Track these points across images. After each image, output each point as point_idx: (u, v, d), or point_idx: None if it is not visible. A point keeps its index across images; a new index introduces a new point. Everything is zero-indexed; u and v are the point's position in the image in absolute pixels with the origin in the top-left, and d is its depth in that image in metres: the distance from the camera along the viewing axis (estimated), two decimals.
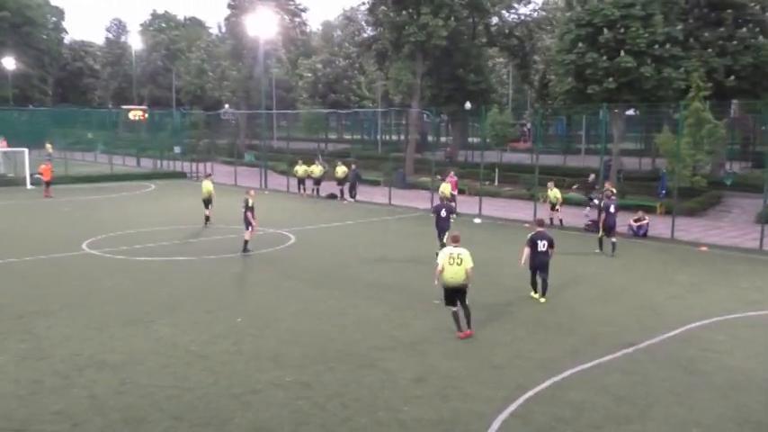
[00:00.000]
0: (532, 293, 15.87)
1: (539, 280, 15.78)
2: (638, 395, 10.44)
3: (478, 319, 13.60)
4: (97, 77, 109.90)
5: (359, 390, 10.58)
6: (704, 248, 22.96)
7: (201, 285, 17.30)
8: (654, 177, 36.77)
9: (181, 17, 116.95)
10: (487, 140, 45.04)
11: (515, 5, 53.83)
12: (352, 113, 70.53)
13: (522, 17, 54.98)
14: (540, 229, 15.87)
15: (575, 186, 31.01)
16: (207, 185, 27.07)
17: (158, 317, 14.38)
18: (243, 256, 20.84)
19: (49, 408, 9.92)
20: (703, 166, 31.61)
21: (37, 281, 17.66)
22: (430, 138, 63.66)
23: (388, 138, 72.44)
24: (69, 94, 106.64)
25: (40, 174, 37.22)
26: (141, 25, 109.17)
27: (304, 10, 70.12)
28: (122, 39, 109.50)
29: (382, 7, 45.41)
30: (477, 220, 21.45)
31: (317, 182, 38.31)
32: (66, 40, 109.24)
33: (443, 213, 20.67)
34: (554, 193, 26.68)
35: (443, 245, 20.36)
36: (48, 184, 36.56)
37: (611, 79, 32.01)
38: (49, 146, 56.33)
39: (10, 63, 76.62)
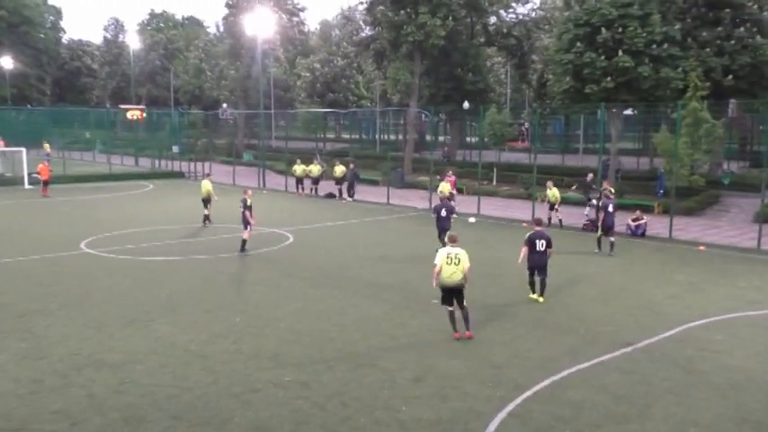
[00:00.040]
0: (531, 295, 15.81)
1: (537, 280, 15.77)
2: (636, 394, 10.46)
3: (477, 318, 13.61)
4: (95, 77, 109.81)
5: (358, 389, 10.59)
6: (702, 248, 22.99)
7: (200, 285, 17.30)
8: (652, 177, 36.83)
9: (179, 16, 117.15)
10: (485, 140, 45.12)
11: (513, 5, 53.89)
12: (351, 113, 70.50)
13: (520, 17, 55.04)
14: (538, 228, 15.85)
15: (574, 187, 31.02)
16: (206, 185, 27.07)
17: (157, 316, 14.38)
18: (241, 256, 20.85)
19: (48, 407, 9.92)
20: (701, 165, 31.71)
21: (36, 280, 17.64)
22: (428, 137, 63.68)
23: (386, 137, 72.44)
24: (67, 94, 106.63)
25: (38, 173, 37.19)
26: (139, 25, 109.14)
27: (302, 9, 70.29)
28: (120, 38, 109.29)
29: (380, 7, 45.39)
30: (472, 219, 21.50)
31: (316, 181, 38.32)
32: (64, 39, 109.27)
33: (444, 213, 20.69)
34: (553, 192, 26.70)
35: (444, 244, 20.45)
36: (45, 183, 36.54)
37: (609, 79, 32.04)
38: (46, 145, 56.36)
39: (7, 62, 76.56)
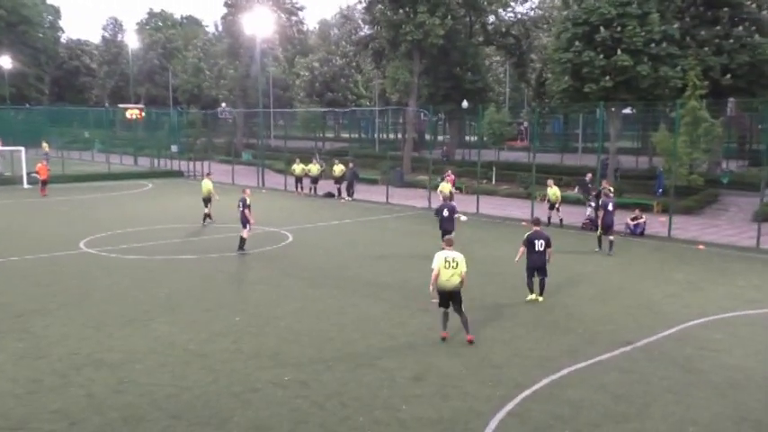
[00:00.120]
0: (529, 296, 15.67)
1: (536, 280, 15.73)
2: (635, 394, 10.47)
3: (477, 318, 13.61)
4: (94, 76, 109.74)
5: (358, 388, 10.59)
6: (701, 247, 23.00)
7: (200, 284, 17.29)
8: (651, 176, 36.82)
9: (177, 16, 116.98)
10: (484, 139, 45.13)
11: (512, 4, 53.97)
12: (350, 112, 70.50)
13: (519, 16, 55.10)
14: (536, 228, 15.83)
15: (576, 189, 30.99)
16: (206, 184, 27.09)
17: (156, 315, 14.38)
18: (240, 255, 20.86)
19: (46, 407, 9.91)
20: (700, 164, 31.71)
21: (35, 280, 17.63)
22: (427, 136, 63.54)
23: (385, 136, 72.38)
24: (66, 93, 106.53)
25: (37, 173, 37.17)
26: (138, 24, 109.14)
27: (301, 8, 70.14)
28: (119, 37, 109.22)
29: (379, 6, 45.39)
30: (464, 218, 21.50)
31: (315, 180, 38.31)
32: (63, 38, 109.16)
33: (446, 213, 20.70)
34: (553, 191, 26.60)
35: None
36: (44, 183, 36.53)
37: (607, 78, 32.06)
38: (45, 145, 56.34)
39: (6, 62, 76.50)
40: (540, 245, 15.38)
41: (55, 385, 10.69)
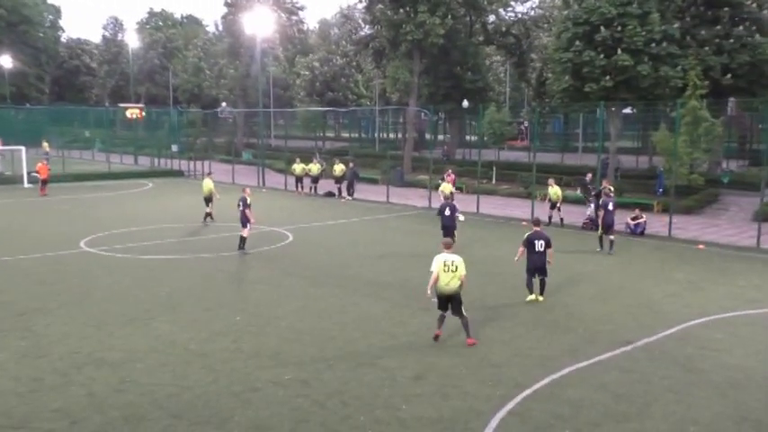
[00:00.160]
0: (529, 297, 15.58)
1: (536, 281, 15.70)
2: (636, 393, 10.48)
3: (477, 318, 13.62)
4: (94, 75, 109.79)
5: (358, 388, 10.60)
6: (701, 246, 22.99)
7: (200, 283, 17.31)
8: (651, 175, 36.84)
9: (177, 15, 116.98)
10: (485, 138, 45.10)
11: (512, 4, 53.96)
12: (350, 112, 70.51)
13: (519, 15, 55.08)
14: (536, 228, 15.80)
15: (579, 190, 30.99)
16: (207, 183, 27.15)
17: (157, 315, 14.39)
18: (240, 254, 20.87)
19: (48, 405, 9.93)
20: (700, 164, 31.71)
21: (36, 279, 17.64)
22: (427, 136, 63.68)
23: (385, 136, 72.46)
24: (66, 93, 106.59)
25: (37, 172, 37.19)
26: (138, 23, 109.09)
27: (301, 8, 70.16)
28: (119, 37, 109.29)
29: (379, 5, 45.40)
30: (461, 218, 21.58)
31: (315, 180, 38.32)
32: (63, 38, 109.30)
33: (447, 212, 20.88)
34: (554, 190, 26.50)
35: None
36: (44, 182, 36.54)
37: (608, 77, 32.07)
38: (45, 144, 56.37)
39: (7, 61, 76.52)
40: (540, 245, 15.36)
41: (56, 384, 10.70)
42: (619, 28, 31.80)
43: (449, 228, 20.61)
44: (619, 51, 31.65)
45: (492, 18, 54.23)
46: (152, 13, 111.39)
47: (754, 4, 35.22)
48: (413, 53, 46.34)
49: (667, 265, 19.98)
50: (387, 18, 44.17)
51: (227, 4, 64.96)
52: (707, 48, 34.18)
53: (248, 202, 21.23)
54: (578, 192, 30.81)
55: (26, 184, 39.58)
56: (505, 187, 38.59)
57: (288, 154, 44.98)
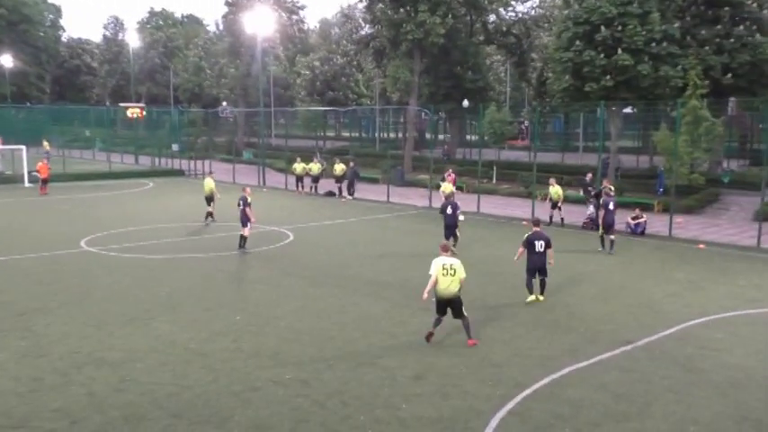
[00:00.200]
0: (529, 298, 15.48)
1: (536, 281, 15.68)
2: (636, 393, 10.47)
3: (477, 317, 13.61)
4: (95, 75, 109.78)
5: (358, 387, 10.59)
6: (702, 246, 22.97)
7: (200, 283, 17.30)
8: (651, 175, 36.82)
9: (178, 15, 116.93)
10: (485, 138, 45.08)
11: (513, 3, 53.92)
12: (351, 111, 70.52)
13: (520, 15, 55.05)
14: (536, 229, 15.75)
15: (582, 191, 30.95)
16: (209, 183, 27.14)
17: (157, 314, 14.39)
18: (240, 254, 20.87)
19: (48, 405, 9.93)
20: (701, 163, 31.68)
21: (36, 278, 17.64)
22: (428, 135, 63.67)
23: (386, 135, 72.42)
24: (67, 92, 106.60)
25: (38, 172, 37.19)
26: (138, 23, 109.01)
27: (302, 7, 70.26)
28: (120, 36, 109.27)
29: (380, 5, 45.41)
30: (461, 217, 21.69)
31: (316, 179, 38.31)
32: (64, 37, 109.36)
33: (449, 210, 21.05)
34: (555, 189, 26.42)
35: (453, 238, 20.67)
36: (45, 181, 36.54)
37: (608, 77, 32.06)
38: (46, 143, 56.34)
39: (7, 60, 76.50)
40: (540, 246, 15.31)
41: (56, 384, 10.70)
42: (619, 27, 31.80)
43: (451, 227, 20.81)
44: (619, 51, 31.64)
45: (492, 17, 54.21)
46: (153, 13, 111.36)
47: (755, 4, 35.20)
48: (413, 53, 46.34)
49: (668, 265, 19.97)
50: (387, 17, 44.17)
51: (227, 4, 64.95)
52: (707, 47, 34.17)
53: (249, 201, 21.24)
54: (582, 192, 30.77)
55: (27, 184, 39.59)
56: (506, 187, 38.57)
57: (288, 153, 44.97)
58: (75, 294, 16.05)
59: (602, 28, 31.97)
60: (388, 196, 34.73)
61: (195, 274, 18.26)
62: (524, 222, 25.56)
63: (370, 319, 14.19)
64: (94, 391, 10.40)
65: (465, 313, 12.53)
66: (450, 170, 32.06)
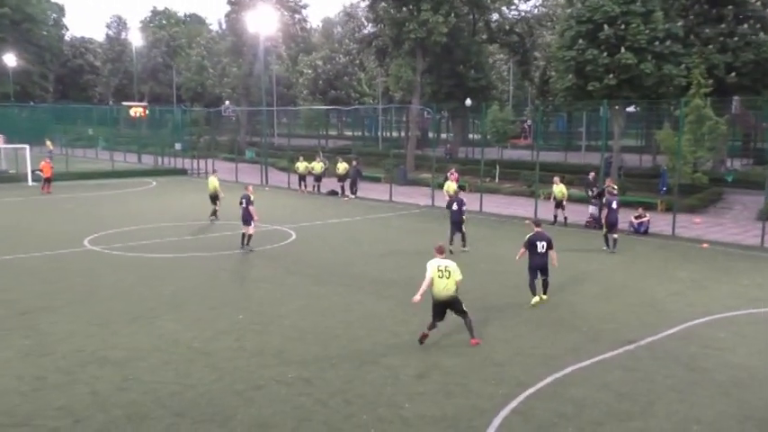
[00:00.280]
0: (533, 300, 15.24)
1: (538, 281, 15.63)
2: (639, 392, 10.47)
3: (480, 316, 13.62)
4: (98, 74, 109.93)
5: (362, 386, 10.61)
6: (705, 245, 22.94)
7: (204, 282, 17.33)
8: (655, 174, 36.76)
9: (181, 14, 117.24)
10: (488, 137, 45.00)
11: (516, 2, 53.87)
12: (353, 110, 70.55)
13: (523, 14, 55.07)
14: (538, 229, 15.63)
15: (587, 192, 30.92)
16: (213, 181, 27.20)
17: (161, 313, 14.41)
18: (243, 252, 20.89)
19: (51, 404, 9.96)
20: (704, 162, 31.59)
21: (40, 277, 17.68)
22: (430, 134, 63.64)
23: (388, 134, 72.44)
24: (70, 91, 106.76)
25: (41, 170, 37.26)
26: (141, 22, 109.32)
27: (304, 6, 70.28)
28: (123, 35, 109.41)
29: (382, 4, 45.40)
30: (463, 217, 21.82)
31: (318, 178, 38.34)
32: (67, 36, 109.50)
33: (455, 207, 21.25)
34: (559, 188, 26.33)
35: (462, 240, 20.94)
36: (48, 180, 36.60)
37: (611, 76, 32.02)
38: (49, 143, 56.45)
39: (11, 60, 76.61)
40: (542, 246, 15.17)
41: (60, 382, 10.73)
42: (622, 26, 31.74)
43: (456, 223, 20.94)
44: (622, 50, 31.59)
45: (495, 16, 54.19)
46: (155, 12, 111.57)
47: (759, 2, 35.13)
48: (416, 51, 46.34)
49: (671, 264, 19.95)
50: (390, 16, 44.17)
51: (230, 3, 64.96)
52: (711, 46, 34.11)
53: (251, 199, 21.25)
54: (587, 193, 30.73)
55: (30, 183, 39.66)
56: (508, 186, 38.56)
57: (291, 152, 44.99)
58: (79, 293, 16.08)
59: (606, 26, 31.92)
60: (390, 195, 34.74)
61: (199, 273, 18.29)
62: (527, 221, 25.50)
63: (375, 318, 14.20)
64: (98, 390, 10.42)
65: (466, 310, 12.47)
66: (453, 169, 32.05)
